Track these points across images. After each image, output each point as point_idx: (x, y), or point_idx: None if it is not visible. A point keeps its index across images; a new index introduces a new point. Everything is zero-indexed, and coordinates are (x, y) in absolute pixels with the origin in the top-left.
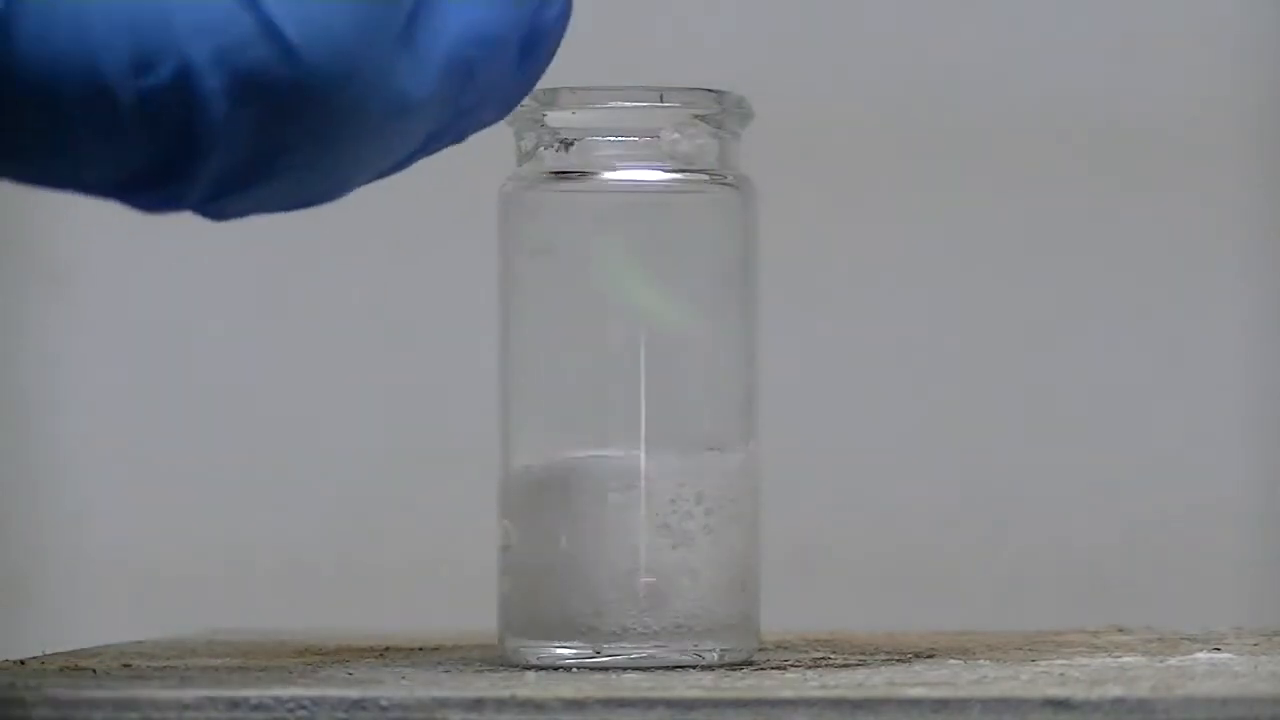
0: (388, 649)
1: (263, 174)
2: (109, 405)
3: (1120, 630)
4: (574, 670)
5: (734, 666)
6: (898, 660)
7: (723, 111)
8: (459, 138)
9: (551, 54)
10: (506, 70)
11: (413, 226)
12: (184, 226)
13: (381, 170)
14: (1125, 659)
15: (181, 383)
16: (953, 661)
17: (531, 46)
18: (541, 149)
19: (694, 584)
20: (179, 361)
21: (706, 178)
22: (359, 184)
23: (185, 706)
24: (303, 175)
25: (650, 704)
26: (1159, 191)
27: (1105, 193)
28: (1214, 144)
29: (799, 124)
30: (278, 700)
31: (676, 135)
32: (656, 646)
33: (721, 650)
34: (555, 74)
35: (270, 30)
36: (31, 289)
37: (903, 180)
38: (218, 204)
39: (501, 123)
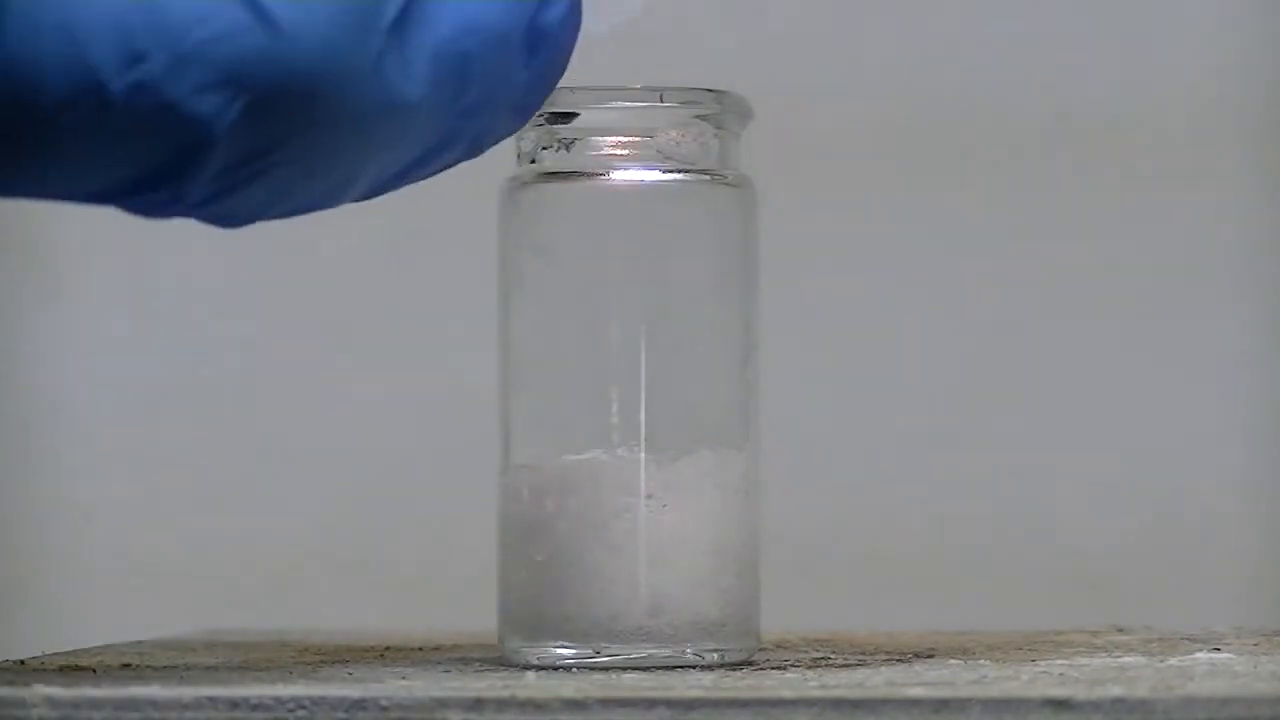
0: (388, 649)
1: (257, 172)
2: (109, 405)
3: (1120, 630)
4: (574, 670)
5: (734, 666)
6: (898, 660)
7: (723, 111)
8: (473, 147)
9: (562, 55)
10: (510, 70)
11: (413, 226)
12: (183, 223)
13: (386, 177)
14: (1125, 659)
15: (181, 382)
16: (953, 661)
17: (535, 45)
18: (541, 149)
19: (694, 584)
20: (179, 360)
21: (707, 177)
22: (362, 189)
23: (185, 706)
24: (298, 175)
25: (650, 704)
26: (1160, 191)
27: (1107, 192)
28: (1215, 144)
29: (799, 124)
30: (278, 700)
31: (676, 135)
32: (656, 646)
33: (721, 650)
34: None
35: (260, 17)
36: (31, 288)
37: (903, 181)
38: (216, 206)
39: None
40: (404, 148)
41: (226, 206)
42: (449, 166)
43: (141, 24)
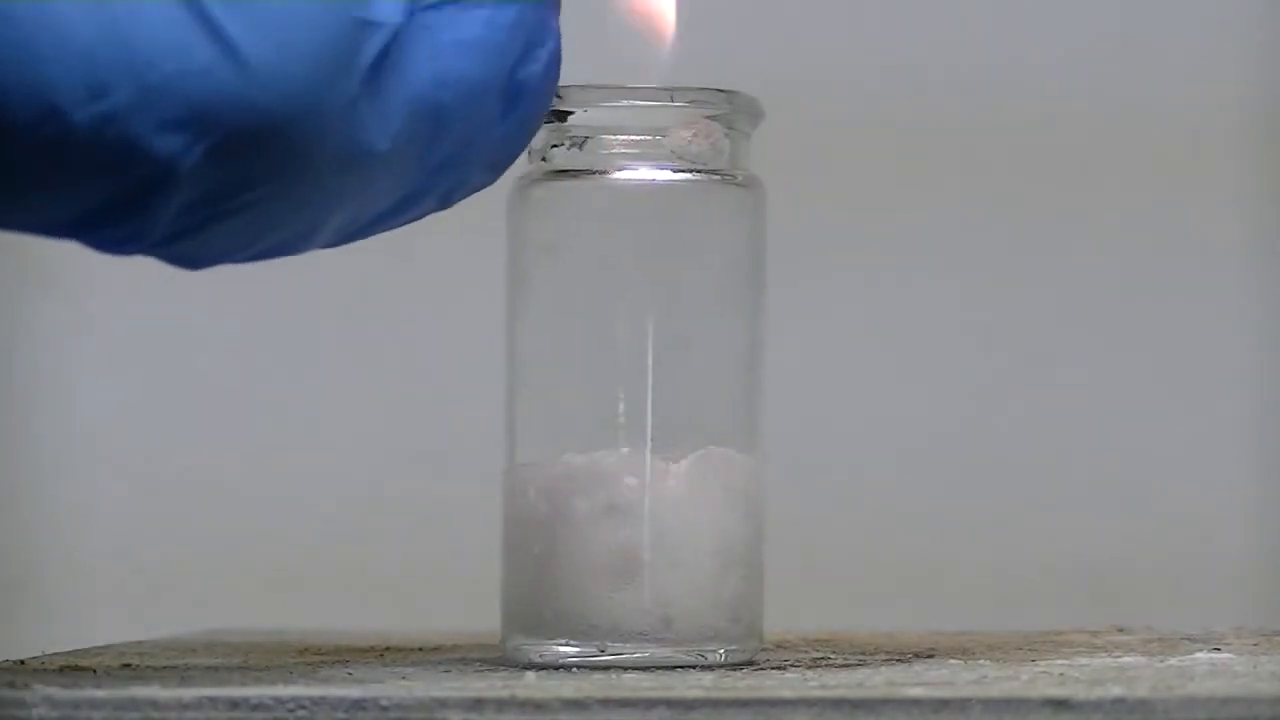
0: (388, 649)
1: (221, 212)
2: (109, 405)
3: (1120, 630)
4: (575, 670)
5: (735, 666)
6: (898, 660)
7: (734, 111)
8: (444, 200)
9: (540, 110)
10: (486, 124)
11: (418, 224)
12: None
13: (355, 226)
14: (1125, 659)
15: (181, 382)
16: (953, 661)
17: (514, 100)
18: (551, 147)
19: (699, 585)
20: (178, 360)
21: (717, 177)
22: (329, 237)
23: (185, 706)
24: (263, 218)
25: (650, 704)
26: (1163, 194)
27: (1110, 194)
28: (1218, 145)
29: (808, 124)
30: (278, 700)
31: (687, 135)
32: (660, 647)
33: (725, 651)
34: (566, 74)
35: (230, 56)
36: (29, 289)
37: (910, 183)
38: (178, 246)
39: None
40: (373, 198)
41: (188, 247)
42: (420, 217)
43: (107, 56)
